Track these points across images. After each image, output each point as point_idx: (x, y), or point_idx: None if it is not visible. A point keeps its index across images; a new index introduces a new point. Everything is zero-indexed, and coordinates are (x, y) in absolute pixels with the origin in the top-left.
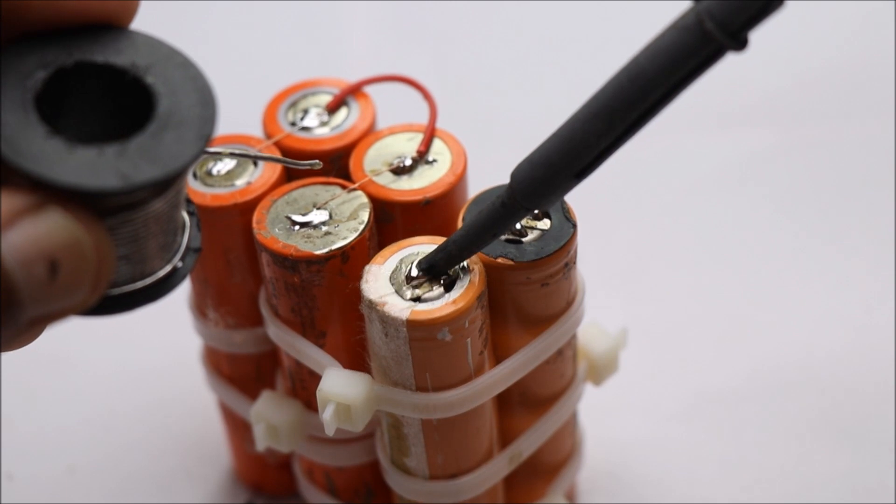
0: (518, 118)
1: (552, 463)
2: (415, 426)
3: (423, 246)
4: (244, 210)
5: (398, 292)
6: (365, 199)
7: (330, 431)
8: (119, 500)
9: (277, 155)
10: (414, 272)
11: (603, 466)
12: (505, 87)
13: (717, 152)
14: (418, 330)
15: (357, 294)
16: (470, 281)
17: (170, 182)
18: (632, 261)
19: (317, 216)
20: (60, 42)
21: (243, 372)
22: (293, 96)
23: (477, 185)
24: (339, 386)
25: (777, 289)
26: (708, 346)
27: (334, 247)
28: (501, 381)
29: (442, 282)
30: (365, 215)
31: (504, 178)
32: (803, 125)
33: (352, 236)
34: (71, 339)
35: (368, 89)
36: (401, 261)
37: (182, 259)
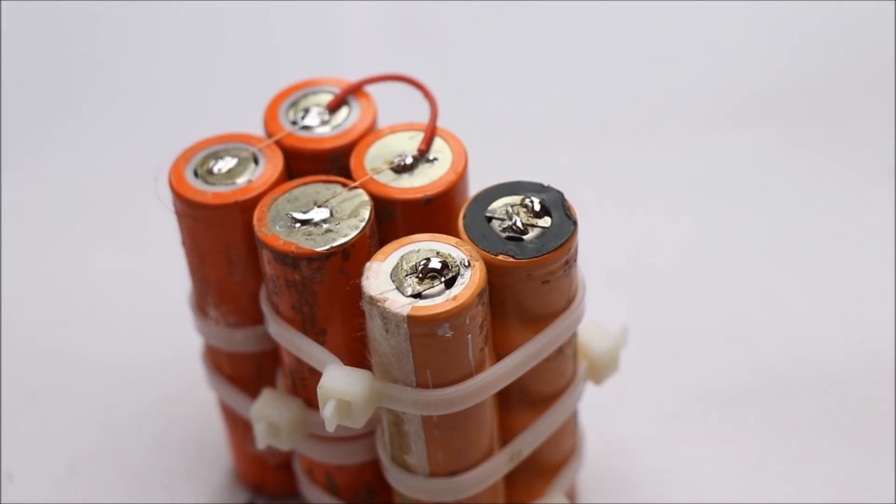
0: (518, 117)
1: (553, 462)
2: (415, 423)
3: (424, 243)
4: (245, 208)
5: (399, 289)
6: (366, 197)
7: (330, 428)
8: (119, 500)
9: (278, 154)
10: None
11: (603, 466)
12: (505, 87)
13: (717, 152)
14: (419, 326)
15: (358, 291)
16: (471, 277)
17: None
18: (632, 260)
19: (318, 214)
20: None
21: (244, 370)
22: (294, 95)
23: (478, 184)
24: (340, 383)
25: (777, 289)
26: (708, 345)
27: (335, 244)
28: (502, 379)
29: (443, 278)
30: (366, 213)
31: (504, 177)
32: (803, 125)
33: (353, 234)
34: (71, 338)
35: (369, 88)
36: (401, 258)
37: None
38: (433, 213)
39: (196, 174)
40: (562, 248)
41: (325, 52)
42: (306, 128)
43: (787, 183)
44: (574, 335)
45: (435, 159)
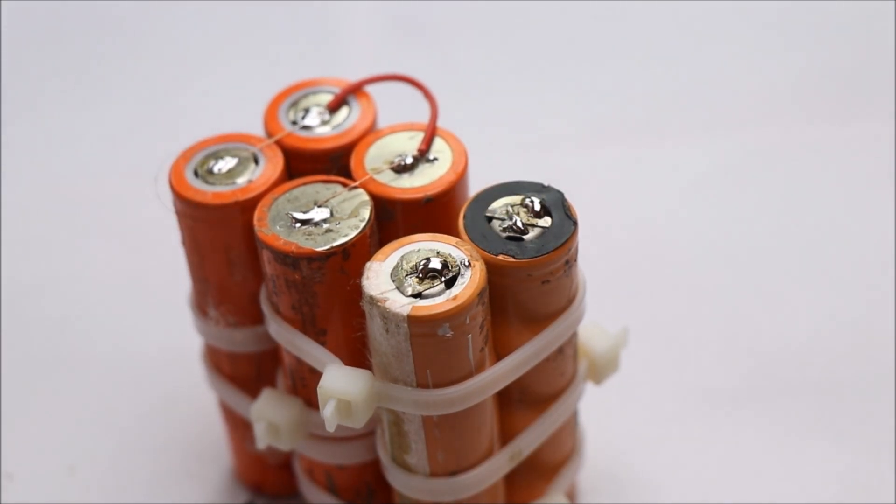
0: (518, 117)
1: (553, 462)
2: (415, 423)
3: (424, 243)
4: (245, 208)
5: (399, 289)
6: (366, 197)
7: (331, 428)
8: (119, 500)
9: (278, 154)
10: None
11: (603, 466)
12: (505, 86)
13: (717, 152)
14: (419, 326)
15: (358, 291)
16: (471, 277)
17: None
18: (633, 260)
19: (318, 214)
20: None
21: (244, 370)
22: (294, 95)
23: (478, 183)
24: (340, 382)
25: (777, 289)
26: (708, 345)
27: (335, 244)
28: (502, 378)
29: (443, 278)
30: (366, 213)
31: (504, 177)
32: (803, 125)
33: (353, 233)
34: (71, 338)
35: (369, 88)
36: (402, 258)
37: None
38: (433, 213)
39: (196, 174)
40: (562, 248)
41: (325, 52)
42: (306, 128)
43: (788, 183)
44: (574, 335)
45: (435, 159)
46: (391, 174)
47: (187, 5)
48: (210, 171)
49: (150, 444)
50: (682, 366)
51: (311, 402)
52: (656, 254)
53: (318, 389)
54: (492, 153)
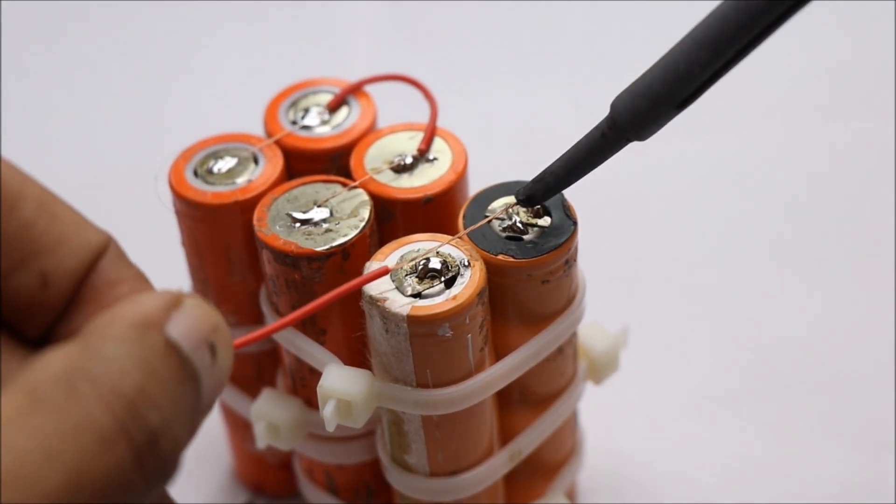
0: (518, 117)
1: (553, 462)
2: (415, 423)
3: (424, 243)
4: (245, 208)
5: (399, 289)
6: (366, 197)
7: (330, 428)
8: None
9: (278, 154)
10: (511, 201)
11: (603, 466)
12: (505, 86)
13: (717, 152)
14: (419, 326)
15: (357, 291)
16: (470, 277)
17: None
18: (633, 260)
19: (317, 213)
20: None
21: (244, 370)
22: (294, 95)
23: (477, 183)
24: (340, 382)
25: (777, 289)
26: (708, 345)
27: (335, 244)
28: (502, 378)
29: (443, 278)
30: (366, 213)
31: (504, 177)
32: (803, 125)
33: (352, 233)
34: None
35: (369, 88)
36: (402, 257)
37: None
38: (433, 212)
39: (196, 174)
40: (562, 247)
41: (325, 52)
42: (306, 128)
43: (788, 183)
44: (574, 335)
45: (435, 159)
46: (391, 174)
47: (187, 5)
48: (210, 171)
49: None
50: (682, 366)
51: (311, 402)
52: (656, 254)
53: (318, 389)
54: (492, 153)
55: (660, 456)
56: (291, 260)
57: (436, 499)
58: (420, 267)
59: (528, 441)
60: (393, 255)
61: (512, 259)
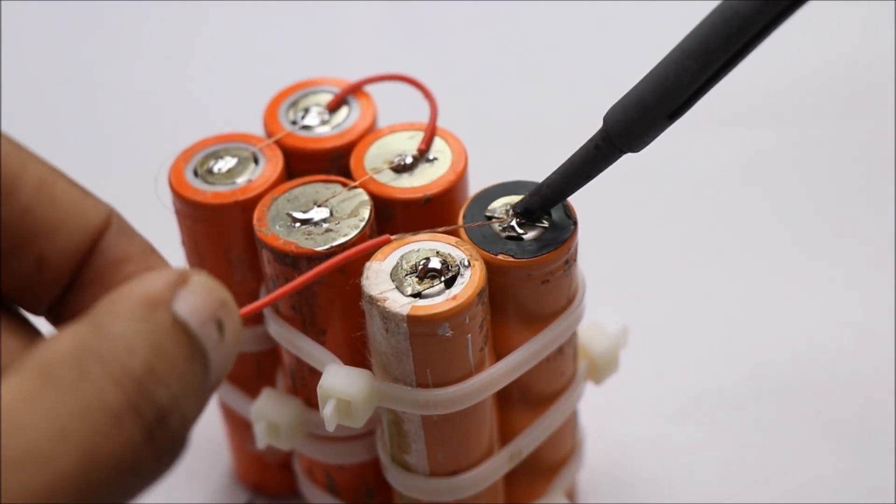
0: (518, 117)
1: (552, 462)
2: (415, 423)
3: (424, 243)
4: (245, 208)
5: (399, 288)
6: (366, 197)
7: (330, 428)
8: None
9: (278, 154)
10: (509, 212)
11: (603, 466)
12: (505, 86)
13: (717, 152)
14: (419, 326)
15: (357, 291)
16: (470, 277)
17: None
18: (633, 260)
19: (317, 213)
20: None
21: (244, 370)
22: (294, 95)
23: (477, 183)
24: (340, 382)
25: (777, 289)
26: (708, 346)
27: (335, 243)
28: (502, 378)
29: (443, 278)
30: (366, 213)
31: (504, 177)
32: (803, 125)
33: (352, 233)
34: None
35: (369, 88)
36: (401, 257)
37: None
38: (433, 212)
39: (196, 174)
40: (562, 247)
41: (325, 52)
42: (306, 127)
43: (787, 183)
44: (574, 335)
45: (435, 159)
46: (391, 174)
47: (188, 5)
48: (210, 171)
49: None
50: (682, 366)
51: (311, 401)
52: (656, 254)
53: (318, 389)
54: (492, 153)
55: (660, 456)
56: (291, 260)
57: (436, 499)
58: (420, 267)
59: (528, 441)
60: (393, 255)
61: (512, 259)
